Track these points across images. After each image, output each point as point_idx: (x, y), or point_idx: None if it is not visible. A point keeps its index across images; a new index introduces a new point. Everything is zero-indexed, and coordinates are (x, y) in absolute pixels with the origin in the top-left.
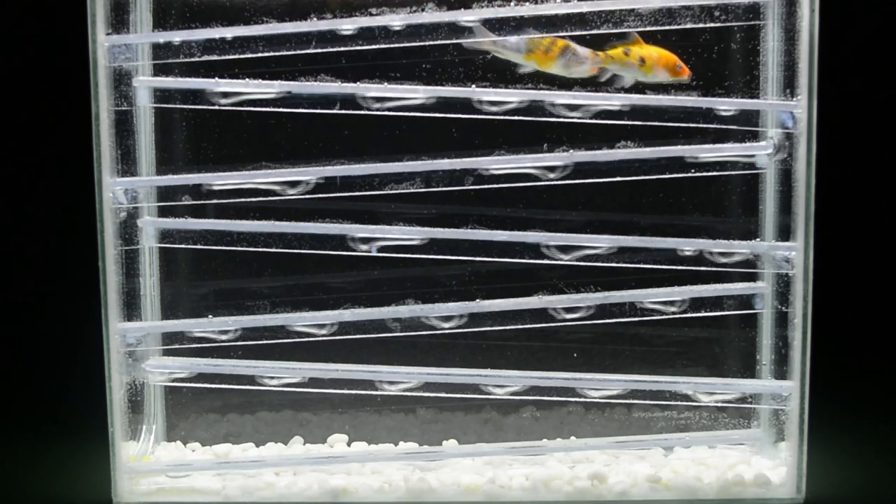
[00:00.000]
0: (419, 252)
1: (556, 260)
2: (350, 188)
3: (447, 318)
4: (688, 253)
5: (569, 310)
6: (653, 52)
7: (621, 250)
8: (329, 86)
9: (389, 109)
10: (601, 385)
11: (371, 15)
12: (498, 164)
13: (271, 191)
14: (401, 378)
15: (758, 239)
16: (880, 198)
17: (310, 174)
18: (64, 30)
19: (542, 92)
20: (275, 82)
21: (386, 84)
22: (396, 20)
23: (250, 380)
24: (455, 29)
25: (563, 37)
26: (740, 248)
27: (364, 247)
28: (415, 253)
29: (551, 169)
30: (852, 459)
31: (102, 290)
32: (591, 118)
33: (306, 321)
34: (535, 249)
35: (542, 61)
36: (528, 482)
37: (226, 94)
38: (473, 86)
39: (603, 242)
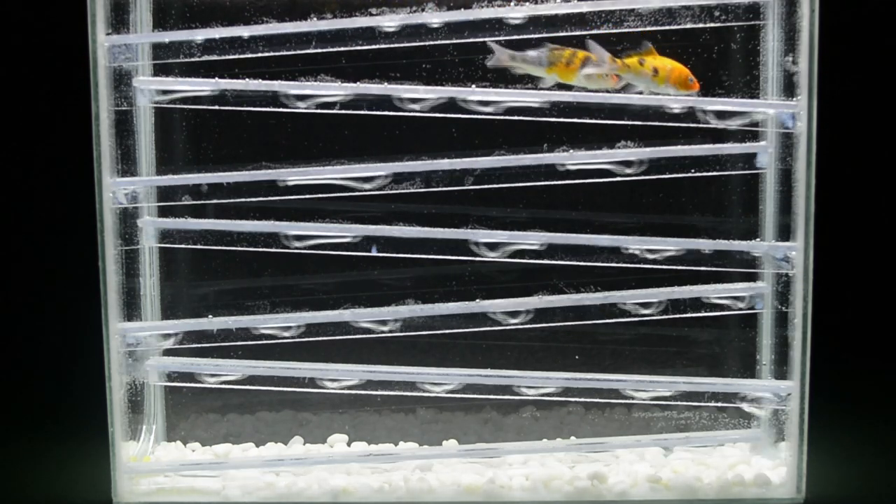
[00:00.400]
0: (419, 252)
1: (556, 260)
2: (349, 188)
3: (513, 314)
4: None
5: (567, 310)
6: (666, 63)
7: (621, 250)
8: (259, 83)
9: (316, 107)
10: (602, 385)
11: (371, 15)
12: (498, 163)
13: (343, 186)
14: (400, 378)
15: (758, 239)
16: (880, 198)
17: (311, 174)
18: (64, 30)
19: (455, 88)
20: (212, 80)
21: (306, 80)
22: (397, 20)
23: (250, 380)
24: (455, 29)
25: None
26: (741, 248)
27: (298, 244)
28: (415, 253)
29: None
30: (852, 459)
31: (102, 290)
32: (502, 114)
33: (307, 321)
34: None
35: (563, 74)
36: (528, 482)
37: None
38: (386, 83)
39: (603, 242)
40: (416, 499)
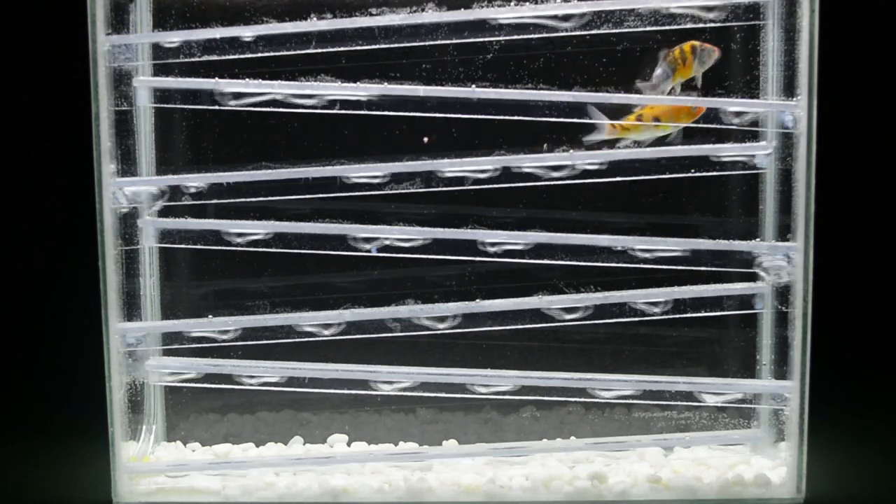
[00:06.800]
0: (419, 252)
1: (556, 260)
2: (350, 188)
3: (443, 319)
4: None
5: (568, 310)
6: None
7: (620, 250)
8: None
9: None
10: (603, 385)
11: (371, 15)
12: (496, 164)
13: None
14: (399, 378)
15: (758, 239)
16: (880, 198)
17: (310, 174)
18: (64, 30)
19: (456, 88)
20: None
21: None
22: (397, 20)
23: (250, 380)
24: (455, 29)
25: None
26: (741, 248)
27: (367, 246)
28: (415, 253)
29: (553, 168)
30: (852, 459)
31: (102, 290)
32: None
33: (307, 321)
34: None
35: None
36: (528, 482)
37: (237, 95)
38: (386, 83)
39: (603, 242)
40: (416, 499)
